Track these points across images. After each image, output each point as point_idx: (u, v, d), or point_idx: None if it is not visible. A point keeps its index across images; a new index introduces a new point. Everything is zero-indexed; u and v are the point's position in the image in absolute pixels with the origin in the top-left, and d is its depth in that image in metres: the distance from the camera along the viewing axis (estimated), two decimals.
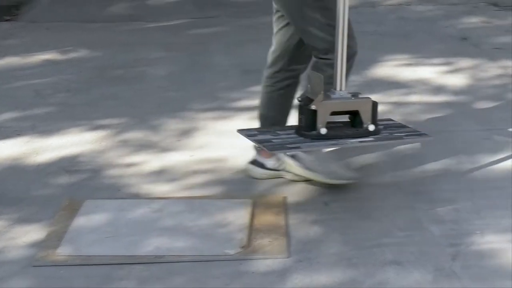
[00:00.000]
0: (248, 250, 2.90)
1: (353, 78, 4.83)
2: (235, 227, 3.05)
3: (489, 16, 6.51)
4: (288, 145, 2.96)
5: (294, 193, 3.37)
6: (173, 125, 4.20)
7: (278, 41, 3.42)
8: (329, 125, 3.00)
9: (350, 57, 3.16)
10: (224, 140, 3.95)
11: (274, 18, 3.41)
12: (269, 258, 2.84)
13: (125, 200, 3.33)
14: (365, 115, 3.02)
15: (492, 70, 5.03)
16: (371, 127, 3.04)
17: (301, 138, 2.99)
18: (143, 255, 2.87)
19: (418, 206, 3.23)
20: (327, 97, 2.99)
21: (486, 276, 2.70)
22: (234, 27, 6.31)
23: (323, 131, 2.96)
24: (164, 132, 4.11)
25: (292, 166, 3.39)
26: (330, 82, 3.05)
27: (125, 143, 3.98)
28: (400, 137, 3.17)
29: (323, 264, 2.81)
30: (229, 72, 5.10)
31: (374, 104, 3.06)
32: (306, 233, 3.03)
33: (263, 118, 3.52)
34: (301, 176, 3.38)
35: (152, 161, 3.74)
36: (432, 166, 3.60)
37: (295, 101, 3.28)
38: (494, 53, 5.40)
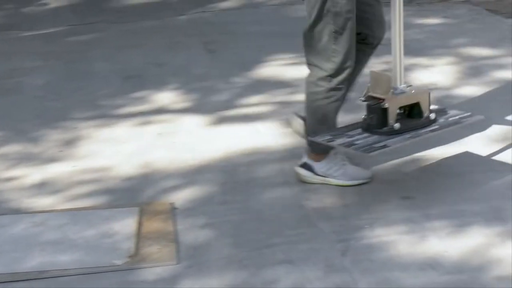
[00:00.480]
0: (136, 259, 2.88)
1: (237, 79, 4.92)
2: (122, 237, 3.02)
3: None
4: (375, 145, 3.10)
5: (182, 198, 3.38)
6: (54, 135, 4.13)
7: None
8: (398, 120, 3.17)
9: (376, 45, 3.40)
10: (107, 149, 3.92)
11: None
12: (158, 266, 2.83)
13: (5, 215, 3.25)
14: (424, 105, 3.21)
15: (375, 65, 5.10)
16: (432, 116, 3.24)
17: (376, 136, 3.14)
18: (26, 272, 2.81)
19: (307, 204, 3.29)
20: (393, 93, 3.16)
21: (376, 269, 2.77)
22: (114, 33, 6.26)
23: (397, 126, 3.14)
24: (45, 143, 4.04)
25: (305, 177, 3.43)
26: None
27: (3, 157, 3.88)
28: (459, 121, 3.32)
29: (213, 268, 2.82)
30: (109, 79, 5.06)
31: (429, 94, 3.28)
32: (195, 237, 3.04)
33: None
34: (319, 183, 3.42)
35: (33, 174, 3.67)
36: None
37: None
38: (379, 48, 5.53)
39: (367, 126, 3.21)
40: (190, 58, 5.50)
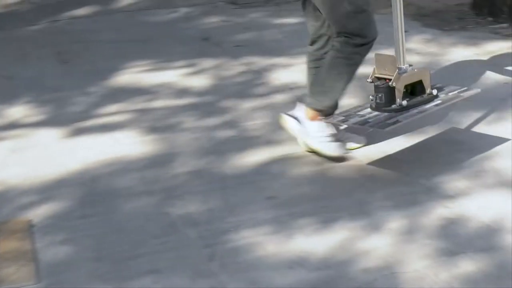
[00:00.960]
0: None
1: (93, 89, 4.84)
2: None
3: (229, 14, 6.76)
4: (387, 122, 3.35)
5: (40, 214, 3.29)
6: None
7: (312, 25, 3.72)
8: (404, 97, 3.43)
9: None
10: None
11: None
12: (17, 287, 2.75)
13: None
14: (426, 83, 3.49)
15: (235, 68, 5.22)
16: (435, 91, 3.51)
17: (386, 114, 3.39)
18: None
19: (171, 211, 3.27)
20: (399, 73, 3.40)
21: (244, 270, 2.79)
22: None
23: (405, 103, 3.40)
24: None
25: (291, 127, 3.71)
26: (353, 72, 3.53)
27: None
28: (458, 95, 3.56)
29: (75, 284, 2.76)
30: None
31: (430, 72, 3.56)
32: (55, 254, 2.96)
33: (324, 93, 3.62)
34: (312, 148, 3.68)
35: None
36: (182, 168, 3.68)
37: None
38: (236, 50, 5.61)
39: (376, 105, 3.45)
40: (42, 69, 5.38)
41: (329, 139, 3.63)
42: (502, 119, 4.03)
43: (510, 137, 3.78)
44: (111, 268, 2.85)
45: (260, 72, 5.09)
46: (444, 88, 3.65)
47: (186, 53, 5.58)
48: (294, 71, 5.04)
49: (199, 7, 7.07)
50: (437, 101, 3.50)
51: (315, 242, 2.96)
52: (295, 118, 3.69)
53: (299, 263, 2.83)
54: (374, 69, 3.48)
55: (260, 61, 5.32)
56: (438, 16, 6.38)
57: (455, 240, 2.93)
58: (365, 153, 3.71)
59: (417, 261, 2.79)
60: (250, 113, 4.35)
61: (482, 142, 3.78)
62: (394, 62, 3.42)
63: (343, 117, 3.50)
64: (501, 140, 3.77)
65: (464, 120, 4.04)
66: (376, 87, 3.45)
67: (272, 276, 2.76)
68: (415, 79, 3.48)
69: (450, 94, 3.58)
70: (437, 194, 3.28)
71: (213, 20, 6.60)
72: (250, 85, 4.84)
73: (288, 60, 5.28)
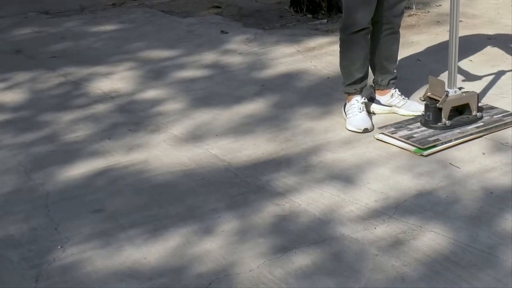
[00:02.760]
0: None
1: None
2: None
3: (42, 24, 6.62)
4: (429, 139, 3.81)
5: None
6: None
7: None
8: (450, 116, 3.95)
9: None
10: None
11: None
12: None
13: None
14: (473, 105, 4.00)
15: (51, 79, 5.11)
16: (479, 114, 4.01)
17: (431, 131, 3.90)
18: None
19: None
20: (447, 96, 3.89)
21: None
22: None
23: (449, 123, 3.91)
24: None
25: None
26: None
27: None
28: (501, 119, 4.01)
29: None
30: None
31: (478, 96, 4.04)
32: None
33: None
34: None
35: None
36: (0, 188, 3.56)
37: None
38: (52, 61, 5.50)
39: (424, 122, 3.98)
40: None
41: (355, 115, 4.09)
42: (327, 113, 4.19)
43: (337, 131, 3.94)
44: None
45: (79, 83, 5.01)
46: (490, 110, 4.10)
47: None
48: (114, 79, 5.01)
49: (8, 19, 6.88)
50: (479, 123, 3.95)
51: (146, 251, 2.95)
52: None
53: (130, 275, 2.81)
54: (427, 89, 3.98)
55: (79, 71, 5.24)
56: (259, 16, 6.53)
57: (287, 236, 3.00)
58: (193, 158, 3.74)
59: (252, 261, 2.84)
60: (70, 125, 4.28)
61: (309, 139, 3.90)
62: (443, 86, 3.91)
63: (394, 129, 3.95)
64: (328, 135, 3.92)
65: (289, 117, 4.16)
66: (426, 106, 3.96)
67: None
68: (461, 102, 3.98)
69: (494, 117, 4.03)
70: (267, 192, 3.36)
71: (25, 31, 6.44)
72: (69, 97, 4.76)
73: (108, 68, 5.24)
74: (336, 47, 4.22)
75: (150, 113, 4.39)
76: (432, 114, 3.93)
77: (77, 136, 4.13)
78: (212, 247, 2.95)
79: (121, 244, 3.02)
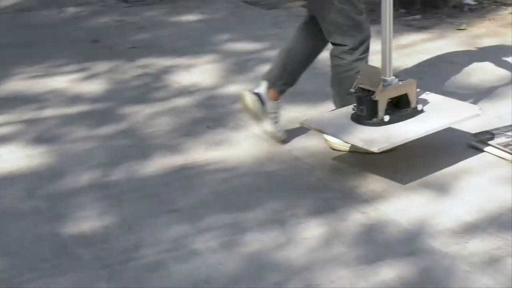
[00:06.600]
0: None
1: None
2: None
3: (121, 13, 6.71)
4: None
5: None
6: None
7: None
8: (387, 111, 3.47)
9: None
10: None
11: None
12: None
13: None
14: (412, 96, 3.53)
15: (130, 71, 5.17)
16: (420, 106, 3.55)
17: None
18: None
19: (62, 231, 3.20)
20: (382, 86, 3.44)
21: None
22: None
23: (387, 118, 3.44)
24: None
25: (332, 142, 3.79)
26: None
27: None
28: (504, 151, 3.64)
29: None
30: None
31: (416, 85, 3.58)
32: None
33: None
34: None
35: None
36: (74, 183, 3.61)
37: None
38: (131, 52, 5.57)
39: (356, 118, 3.50)
40: None
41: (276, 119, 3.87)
42: None
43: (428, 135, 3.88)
44: None
45: (158, 75, 5.06)
46: (496, 138, 3.76)
47: (75, 57, 5.51)
48: (194, 73, 5.04)
49: (87, 6, 7.00)
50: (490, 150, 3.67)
51: (221, 257, 2.94)
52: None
53: (205, 280, 2.81)
54: (358, 78, 3.53)
55: (158, 63, 5.29)
56: None
57: (373, 246, 2.96)
58: (275, 159, 3.73)
59: (333, 272, 2.81)
60: (148, 120, 4.32)
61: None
62: (379, 74, 3.47)
63: (491, 135, 3.73)
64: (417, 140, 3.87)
65: None
66: (358, 98, 3.50)
67: None
68: (399, 92, 3.53)
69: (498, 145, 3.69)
70: (352, 199, 3.32)
71: (104, 20, 6.54)
72: (147, 90, 4.81)
73: (188, 61, 5.28)
74: (431, 44, 4.14)
75: (230, 110, 4.40)
76: (367, 109, 3.46)
77: (155, 131, 4.16)
78: (291, 255, 2.94)
79: (196, 247, 3.03)
